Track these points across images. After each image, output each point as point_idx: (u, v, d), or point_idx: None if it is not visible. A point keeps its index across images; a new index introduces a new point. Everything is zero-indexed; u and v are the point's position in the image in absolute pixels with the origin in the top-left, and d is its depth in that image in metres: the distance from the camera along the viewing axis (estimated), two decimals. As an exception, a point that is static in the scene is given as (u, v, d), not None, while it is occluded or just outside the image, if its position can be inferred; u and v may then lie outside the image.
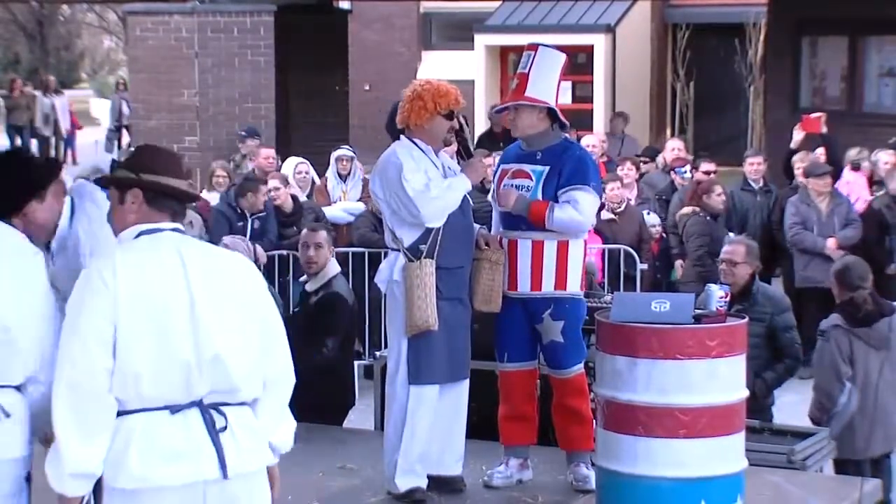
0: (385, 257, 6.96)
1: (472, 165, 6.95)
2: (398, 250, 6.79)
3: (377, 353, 8.48)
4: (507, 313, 6.95)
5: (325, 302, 8.25)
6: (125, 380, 4.25)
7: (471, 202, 6.94)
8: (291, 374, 4.61)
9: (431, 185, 6.72)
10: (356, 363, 9.76)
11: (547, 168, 6.88)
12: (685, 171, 14.03)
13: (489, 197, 7.15)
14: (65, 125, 28.72)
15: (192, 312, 4.32)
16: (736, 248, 8.56)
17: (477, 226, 6.99)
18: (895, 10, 17.30)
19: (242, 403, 4.43)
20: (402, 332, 6.75)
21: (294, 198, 12.55)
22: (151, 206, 4.48)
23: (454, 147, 7.25)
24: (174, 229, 4.49)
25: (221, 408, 4.36)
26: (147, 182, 4.48)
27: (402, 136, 6.91)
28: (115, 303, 4.26)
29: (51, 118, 28.14)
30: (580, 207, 6.80)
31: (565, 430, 6.99)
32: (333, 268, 8.49)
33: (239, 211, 12.17)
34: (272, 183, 12.53)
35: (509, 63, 24.26)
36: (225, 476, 4.32)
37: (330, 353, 8.18)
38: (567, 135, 7.12)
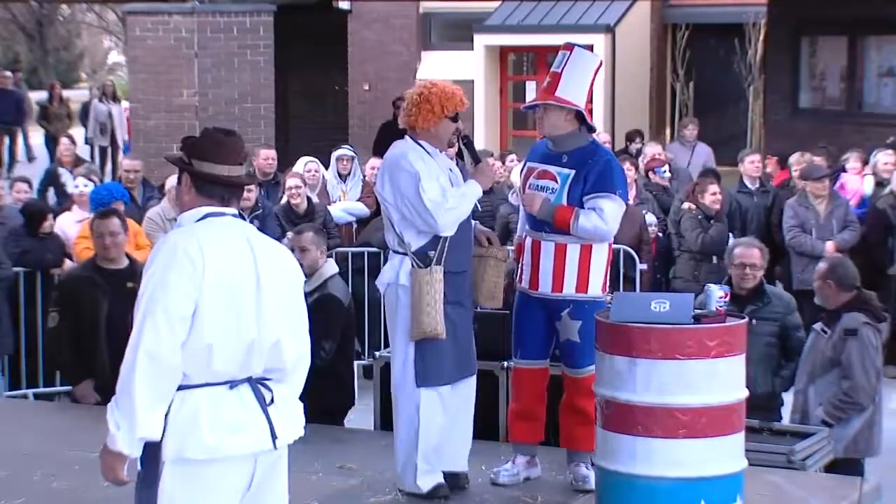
0: (389, 260, 6.92)
1: (483, 171, 6.94)
2: (404, 254, 6.78)
3: (377, 353, 8.47)
4: (526, 310, 6.97)
5: (320, 304, 8.24)
6: (198, 353, 4.51)
7: (477, 205, 6.94)
8: (309, 360, 4.86)
9: (448, 194, 6.70)
10: (356, 363, 9.76)
11: (573, 172, 6.85)
12: (664, 172, 14.09)
13: (511, 196, 7.14)
14: (122, 135, 25.16)
15: (258, 295, 4.60)
16: (753, 252, 8.56)
17: (474, 222, 6.99)
18: (895, 10, 17.30)
19: (281, 381, 4.72)
20: (408, 336, 6.75)
21: (308, 199, 12.54)
22: (200, 192, 4.71)
23: (455, 149, 7.24)
24: (234, 215, 4.75)
25: (266, 382, 4.67)
26: (192, 170, 4.71)
27: (406, 138, 6.90)
28: (201, 279, 4.50)
29: (108, 127, 25.38)
30: (605, 216, 6.76)
31: (570, 429, 7.00)
32: (330, 269, 8.47)
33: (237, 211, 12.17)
34: (291, 181, 12.51)
35: (509, 63, 24.25)
36: (275, 446, 4.65)
37: (328, 356, 8.17)
38: (595, 137, 7.10)
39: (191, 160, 4.73)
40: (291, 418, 4.75)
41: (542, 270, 6.89)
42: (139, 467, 4.60)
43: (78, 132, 24.99)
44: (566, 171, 6.87)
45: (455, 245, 6.75)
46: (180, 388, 4.52)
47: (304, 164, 13.59)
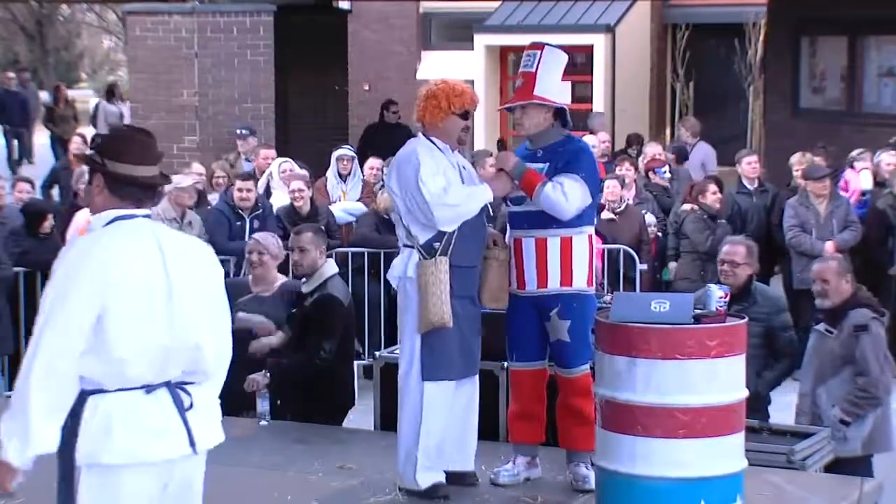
0: (400, 254, 6.98)
1: (501, 178, 6.96)
2: (412, 247, 6.81)
3: (377, 353, 8.47)
4: (517, 312, 6.98)
5: (320, 304, 8.25)
6: (108, 361, 4.42)
7: (489, 208, 6.96)
8: (230, 353, 4.78)
9: (451, 190, 6.74)
10: (356, 363, 9.76)
11: (547, 165, 6.92)
12: (665, 172, 14.09)
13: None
14: None
15: (170, 299, 4.50)
16: (737, 249, 8.56)
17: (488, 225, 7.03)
18: (895, 10, 17.29)
19: (202, 383, 4.65)
20: (416, 329, 6.77)
21: (312, 201, 12.57)
22: (113, 194, 4.58)
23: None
24: (146, 215, 4.62)
25: (186, 387, 4.58)
26: (108, 171, 4.58)
27: (419, 134, 6.98)
28: (102, 290, 4.40)
29: None
30: (566, 191, 6.79)
31: (567, 429, 7.00)
32: (330, 269, 8.47)
33: (237, 211, 12.19)
34: (294, 184, 12.56)
35: (509, 63, 24.23)
36: (195, 452, 4.56)
37: (328, 356, 8.17)
38: (570, 132, 7.14)
39: (104, 160, 4.59)
40: (212, 423, 4.66)
41: (526, 268, 6.92)
42: (57, 475, 4.51)
43: (88, 133, 24.70)
44: (541, 164, 6.94)
45: (463, 239, 6.78)
46: (94, 392, 4.44)
47: (279, 165, 13.63)
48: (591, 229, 7.03)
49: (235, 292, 8.16)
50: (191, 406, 4.55)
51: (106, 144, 4.67)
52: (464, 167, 6.97)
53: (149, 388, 4.48)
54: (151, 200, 4.69)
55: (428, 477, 6.82)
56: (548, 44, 7.06)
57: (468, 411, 6.95)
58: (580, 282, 6.92)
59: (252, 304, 8.58)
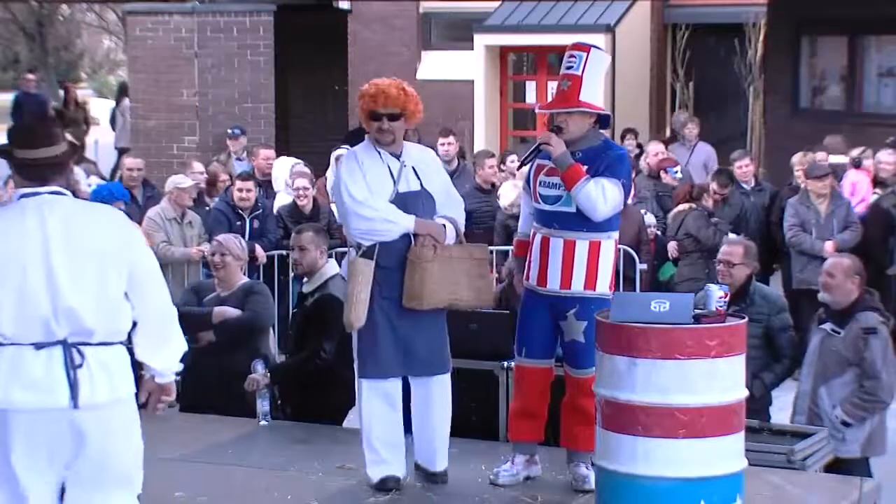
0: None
1: (430, 225, 6.86)
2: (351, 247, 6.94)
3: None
4: (533, 308, 6.97)
5: (320, 304, 8.25)
6: None
7: (422, 205, 6.90)
8: (169, 308, 5.30)
9: (374, 201, 6.76)
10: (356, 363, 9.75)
11: (585, 168, 6.85)
12: (676, 172, 14.07)
13: (520, 190, 7.16)
14: None
15: (47, 268, 5.00)
16: (734, 249, 8.56)
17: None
18: (895, 9, 17.29)
19: (103, 343, 5.07)
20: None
21: (315, 200, 12.56)
22: (21, 176, 5.21)
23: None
24: (53, 192, 5.15)
25: (81, 347, 5.04)
26: (13, 157, 5.19)
27: (366, 137, 7.04)
28: None
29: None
30: (606, 194, 6.77)
31: (571, 428, 7.00)
32: (331, 269, 8.47)
33: (237, 211, 12.20)
34: (299, 182, 12.56)
35: (509, 63, 24.24)
36: (75, 406, 4.99)
37: (328, 356, 8.17)
38: (606, 136, 7.14)
39: (11, 149, 5.21)
40: (107, 381, 5.05)
41: (550, 267, 6.89)
42: None
43: (106, 136, 24.15)
44: None
45: (391, 241, 6.80)
46: None
47: (292, 167, 13.61)
48: (617, 235, 7.01)
49: (203, 293, 8.75)
50: (81, 364, 5.00)
51: (10, 135, 5.30)
52: (414, 168, 6.91)
53: (39, 346, 4.99)
54: (59, 176, 5.20)
55: (377, 471, 6.92)
56: (594, 46, 7.02)
57: (429, 410, 6.96)
58: (603, 286, 6.89)
59: (212, 304, 8.62)
